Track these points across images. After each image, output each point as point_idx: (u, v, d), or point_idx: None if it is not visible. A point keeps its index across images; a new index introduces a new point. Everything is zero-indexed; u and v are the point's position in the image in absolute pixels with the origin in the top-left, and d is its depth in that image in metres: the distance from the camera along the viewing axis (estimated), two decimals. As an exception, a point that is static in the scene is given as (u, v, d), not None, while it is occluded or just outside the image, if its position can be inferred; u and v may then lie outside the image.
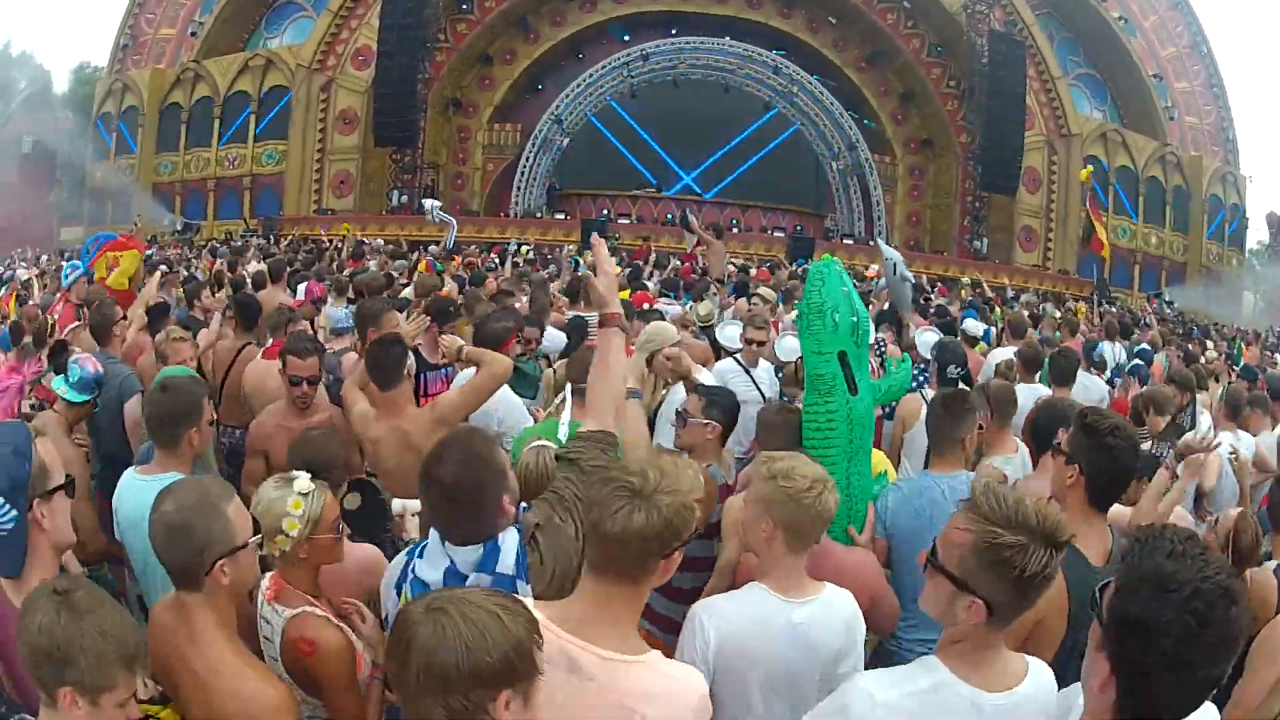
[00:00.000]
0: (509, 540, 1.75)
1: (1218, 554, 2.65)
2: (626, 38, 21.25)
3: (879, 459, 3.15)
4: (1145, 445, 3.03)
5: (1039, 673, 1.54)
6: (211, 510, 1.68)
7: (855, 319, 2.67)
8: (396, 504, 2.50)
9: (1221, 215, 24.41)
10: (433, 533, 1.82)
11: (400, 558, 1.94)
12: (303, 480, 1.94)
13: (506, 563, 1.73)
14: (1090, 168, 20.48)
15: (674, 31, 20.90)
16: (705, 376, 4.00)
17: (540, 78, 21.86)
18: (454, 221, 16.08)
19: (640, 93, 20.77)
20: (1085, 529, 2.09)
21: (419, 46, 19.94)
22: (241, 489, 3.08)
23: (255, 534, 1.75)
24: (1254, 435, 4.77)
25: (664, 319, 4.79)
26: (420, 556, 1.83)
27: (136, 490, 2.43)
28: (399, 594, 1.84)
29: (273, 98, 22.57)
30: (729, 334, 5.08)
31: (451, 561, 1.75)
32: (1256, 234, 28.11)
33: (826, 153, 20.93)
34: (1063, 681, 1.57)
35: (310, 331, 4.91)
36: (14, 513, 1.65)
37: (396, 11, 19.61)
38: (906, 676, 1.50)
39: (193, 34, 25.15)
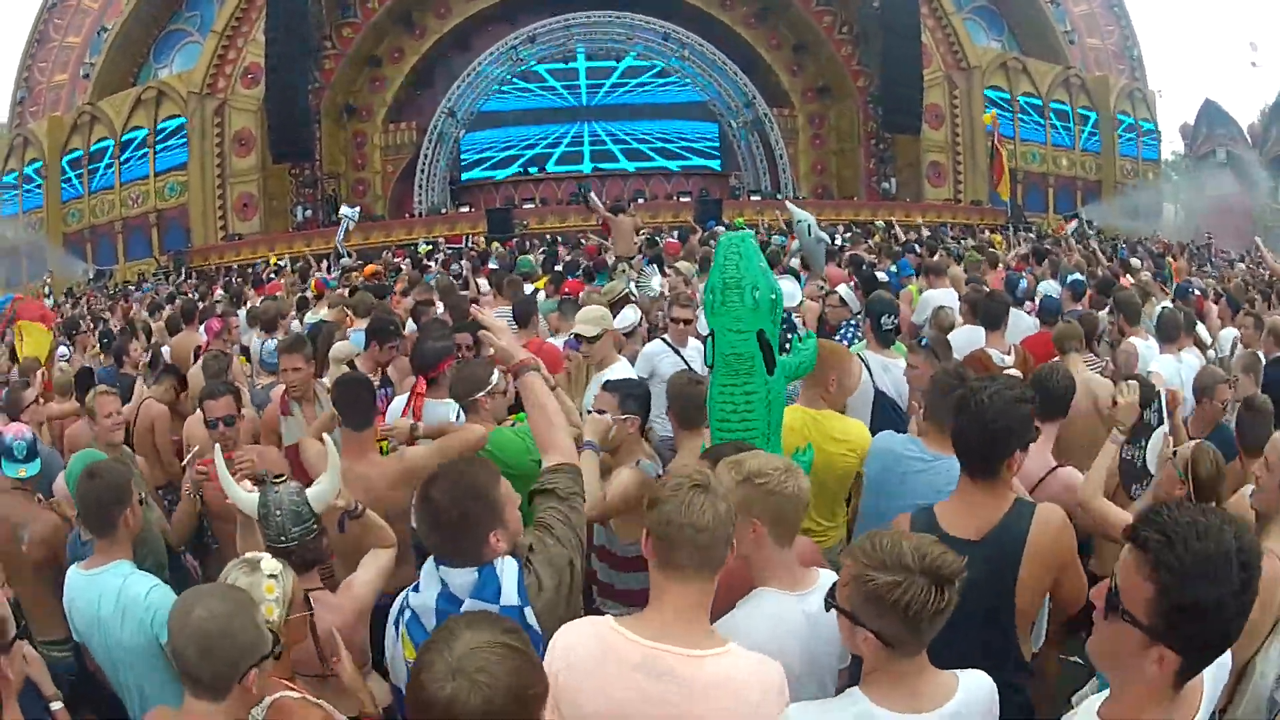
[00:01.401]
0: (508, 570, 1.76)
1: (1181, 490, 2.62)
2: (514, 22, 20.96)
3: (861, 428, 3.14)
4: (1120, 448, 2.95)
5: (971, 686, 1.58)
6: (247, 617, 1.66)
7: (773, 296, 2.60)
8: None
9: (1133, 132, 24.59)
10: (428, 563, 1.84)
11: (400, 596, 1.93)
12: (268, 561, 1.92)
13: (509, 594, 1.73)
14: (994, 112, 20.54)
15: (557, 9, 20.63)
16: (623, 366, 3.99)
17: (430, 73, 21.54)
18: (354, 215, 15.78)
19: (531, 74, 20.50)
20: (959, 498, 2.14)
21: (305, 56, 19.60)
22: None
23: (276, 642, 1.72)
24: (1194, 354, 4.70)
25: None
26: (415, 590, 1.84)
27: (85, 587, 2.40)
28: (396, 629, 1.86)
29: (168, 128, 22.11)
30: (625, 317, 4.84)
31: (445, 585, 1.76)
32: (1171, 146, 28.48)
33: (725, 112, 20.80)
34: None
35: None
36: None
37: (280, 24, 19.23)
38: (832, 708, 1.59)
39: (85, 76, 24.57)
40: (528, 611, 1.74)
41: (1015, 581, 2.06)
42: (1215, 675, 1.41)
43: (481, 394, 3.14)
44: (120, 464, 2.69)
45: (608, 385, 2.95)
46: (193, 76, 21.54)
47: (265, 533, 2.30)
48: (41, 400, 4.64)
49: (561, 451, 2.07)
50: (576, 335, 4.02)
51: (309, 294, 9.24)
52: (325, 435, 2.84)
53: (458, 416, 3.34)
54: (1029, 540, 2.06)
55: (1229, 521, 1.27)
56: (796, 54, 22.04)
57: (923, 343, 3.89)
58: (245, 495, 2.38)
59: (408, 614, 1.83)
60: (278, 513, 2.30)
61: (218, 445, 2.74)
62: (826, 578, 1.92)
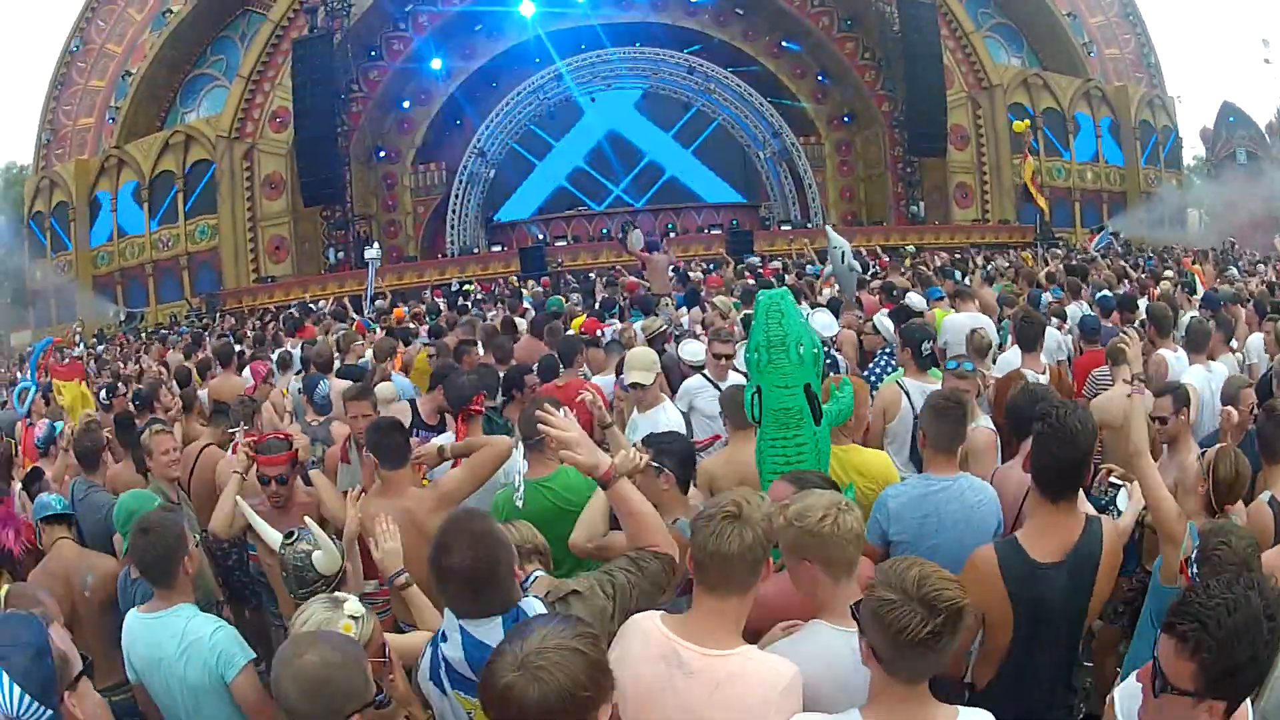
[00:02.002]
0: (534, 605, 1.81)
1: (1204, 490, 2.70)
2: (538, 60, 21.14)
3: (883, 461, 3.23)
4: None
5: None
6: (355, 665, 1.70)
7: (816, 350, 2.75)
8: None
9: (1154, 139, 24.59)
10: (447, 614, 1.85)
11: (426, 649, 1.95)
12: (353, 604, 1.97)
13: None
14: (1026, 121, 20.60)
15: (582, 46, 20.80)
16: (667, 409, 3.98)
17: (458, 113, 21.71)
18: (377, 256, 15.99)
19: (559, 112, 20.68)
20: (1039, 521, 2.20)
21: (334, 100, 19.78)
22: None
23: (380, 691, 1.78)
24: (1221, 362, 4.70)
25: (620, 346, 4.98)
26: (443, 641, 1.85)
27: (146, 630, 2.43)
28: (440, 686, 1.87)
29: (198, 172, 22.35)
30: (691, 350, 5.06)
31: (472, 637, 1.78)
32: (1193, 151, 28.42)
33: (752, 143, 20.93)
34: (1016, 666, 1.92)
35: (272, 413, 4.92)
36: (49, 712, 1.67)
37: (307, 68, 19.44)
38: None
39: (111, 120, 24.86)
40: None
41: (1091, 596, 2.22)
42: None
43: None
44: (171, 511, 2.71)
45: (647, 440, 2.91)
46: (220, 121, 21.78)
47: (284, 583, 2.47)
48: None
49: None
50: (632, 384, 4.04)
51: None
52: (307, 518, 2.88)
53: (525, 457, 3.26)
54: (1103, 554, 2.20)
55: (1253, 586, 1.45)
56: (820, 82, 22.16)
57: (950, 366, 3.94)
58: (275, 534, 2.52)
59: (444, 666, 1.84)
60: (283, 573, 2.45)
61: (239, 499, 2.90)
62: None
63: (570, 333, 6.80)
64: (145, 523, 2.52)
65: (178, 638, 2.36)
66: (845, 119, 22.24)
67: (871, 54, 21.37)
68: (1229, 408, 3.62)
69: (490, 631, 1.76)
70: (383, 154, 21.63)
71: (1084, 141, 23.22)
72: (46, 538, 3.25)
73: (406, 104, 21.89)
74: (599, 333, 6.70)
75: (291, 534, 2.56)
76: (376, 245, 17.46)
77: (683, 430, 3.50)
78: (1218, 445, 3.00)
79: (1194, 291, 9.21)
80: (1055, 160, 22.79)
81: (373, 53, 21.27)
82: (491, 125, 20.29)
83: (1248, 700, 1.56)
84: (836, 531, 1.87)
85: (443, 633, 1.86)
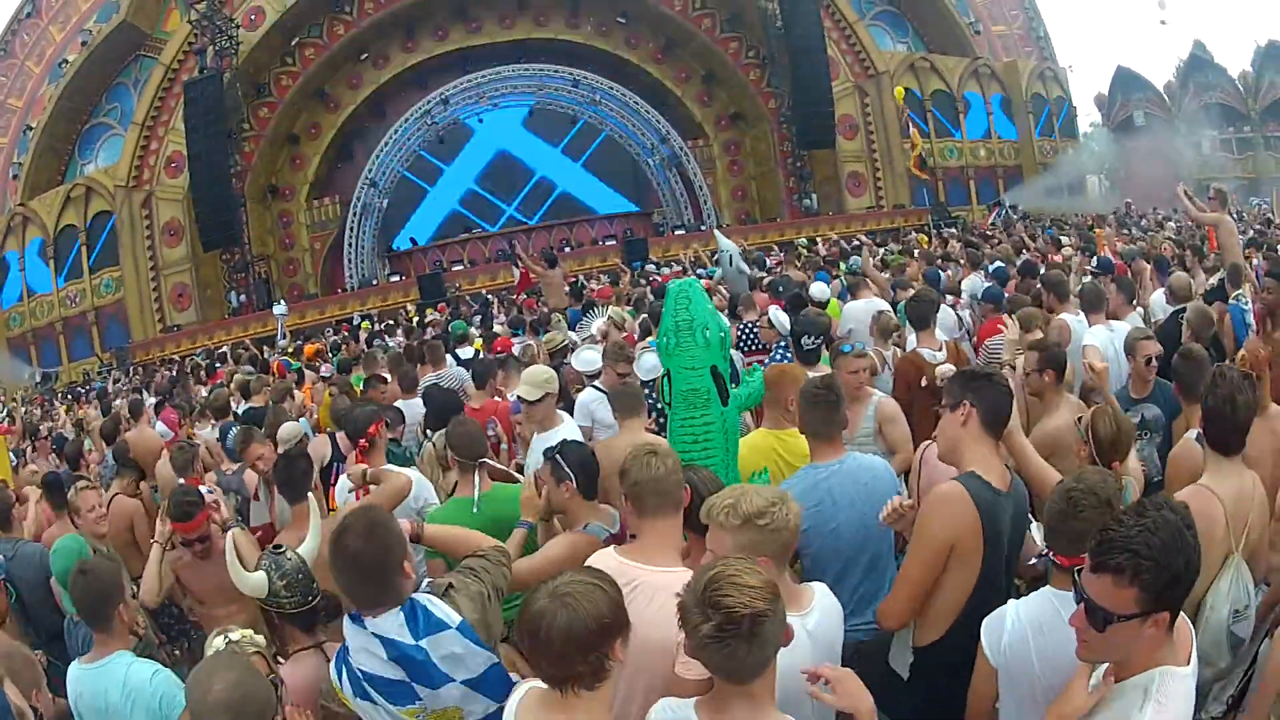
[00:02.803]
0: (434, 602, 1.92)
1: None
2: (425, 85, 21.12)
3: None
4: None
5: None
6: (256, 675, 1.84)
7: (722, 334, 2.95)
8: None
9: (1048, 111, 25.06)
10: (348, 624, 1.95)
11: (331, 672, 2.06)
12: (218, 641, 2.15)
13: (451, 616, 1.91)
14: (900, 88, 20.92)
15: (467, 69, 20.82)
16: (566, 428, 3.95)
17: (349, 145, 21.64)
18: (284, 312, 15.98)
19: (448, 136, 20.68)
20: (987, 457, 2.30)
21: (226, 140, 19.63)
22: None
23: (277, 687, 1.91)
24: (1123, 321, 4.77)
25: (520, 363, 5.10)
26: (349, 656, 1.95)
27: (90, 680, 2.50)
28: (370, 699, 1.95)
29: (99, 224, 22.05)
30: (585, 359, 5.13)
31: (385, 640, 1.88)
32: (1089, 118, 29.02)
33: (641, 151, 21.07)
34: (979, 599, 2.10)
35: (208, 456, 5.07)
36: None
37: (198, 110, 19.23)
38: (674, 708, 1.71)
39: (15, 176, 24.45)
40: (468, 629, 1.92)
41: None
42: None
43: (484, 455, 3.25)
44: (108, 559, 2.79)
45: (545, 454, 2.93)
46: (118, 170, 21.52)
47: (288, 599, 2.50)
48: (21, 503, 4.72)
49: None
50: (519, 398, 4.08)
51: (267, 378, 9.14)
52: (310, 496, 3.14)
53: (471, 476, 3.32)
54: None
55: (1160, 506, 1.56)
56: (706, 84, 22.32)
57: (844, 350, 4.02)
58: (253, 578, 2.56)
59: (364, 680, 1.91)
60: (299, 576, 2.52)
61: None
62: (820, 594, 2.07)
63: (476, 354, 6.96)
64: (84, 566, 2.62)
65: (120, 685, 2.44)
66: (733, 119, 22.42)
67: (755, 52, 21.58)
68: (1089, 359, 3.71)
69: (392, 625, 1.88)
70: (276, 192, 21.49)
71: (975, 119, 23.61)
72: None
73: (297, 139, 21.73)
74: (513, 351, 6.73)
75: (279, 546, 2.64)
76: (284, 302, 17.38)
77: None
78: (1093, 406, 3.08)
79: (1093, 255, 9.37)
80: (947, 141, 23.16)
81: (261, 90, 21.13)
82: (382, 154, 20.24)
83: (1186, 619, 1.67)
84: (793, 525, 1.97)
85: (345, 648, 1.96)
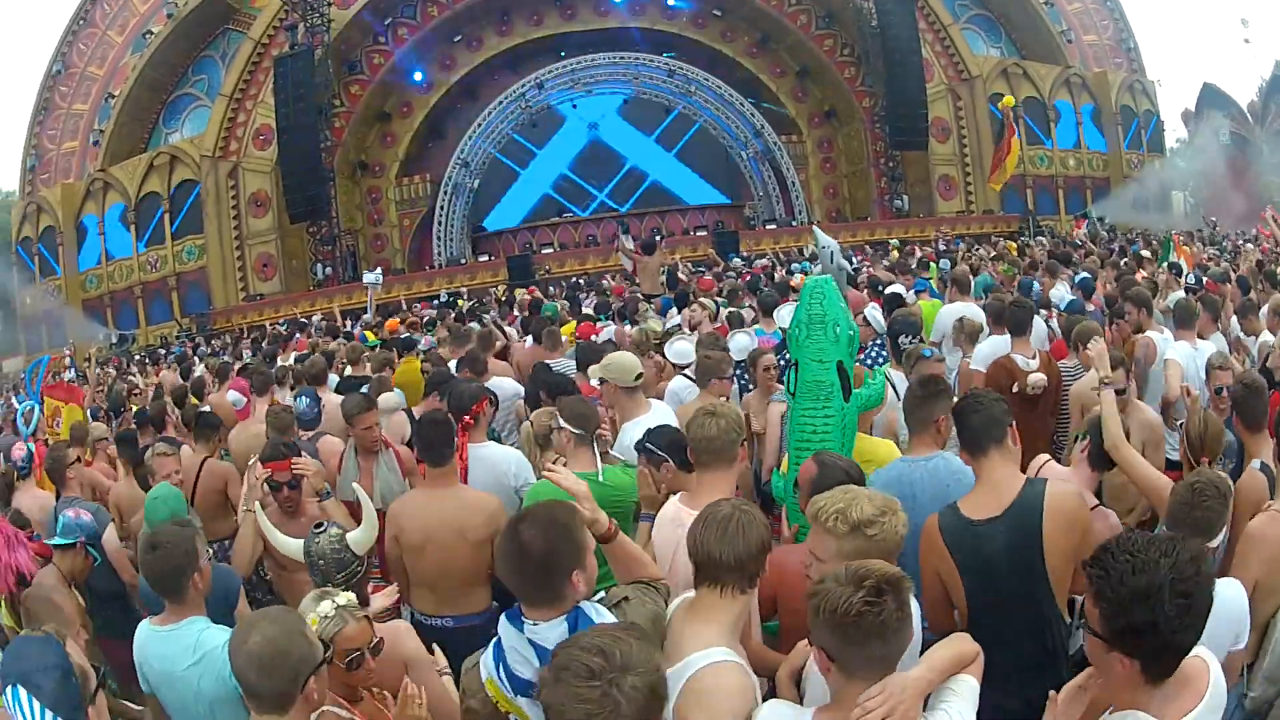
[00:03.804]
0: (603, 615, 1.85)
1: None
2: (519, 69, 21.17)
3: (889, 450, 3.32)
4: None
5: None
6: (297, 632, 1.82)
7: (851, 333, 3.00)
8: None
9: (1136, 123, 24.67)
10: (505, 624, 1.87)
11: (485, 663, 1.95)
12: (325, 605, 2.10)
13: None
14: (1011, 98, 20.64)
15: (562, 54, 20.83)
16: (653, 415, 3.86)
17: (441, 125, 21.73)
18: (377, 281, 16.03)
19: (541, 120, 20.70)
20: (982, 483, 2.41)
21: (316, 116, 19.77)
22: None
23: (326, 648, 1.89)
24: (1209, 340, 4.83)
25: (616, 348, 5.01)
26: (503, 654, 1.86)
27: (159, 643, 2.48)
28: (499, 674, 1.89)
29: (183, 193, 22.35)
30: (678, 350, 5.13)
31: (539, 648, 1.79)
32: (1175, 133, 28.51)
33: (734, 144, 20.97)
34: (976, 617, 2.17)
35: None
36: None
37: (288, 85, 19.41)
38: (785, 713, 1.72)
39: (95, 143, 24.86)
40: None
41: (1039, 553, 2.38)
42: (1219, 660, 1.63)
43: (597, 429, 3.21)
44: (182, 527, 2.73)
45: (636, 448, 3.03)
46: (204, 140, 21.76)
47: (313, 578, 2.50)
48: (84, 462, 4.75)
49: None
50: (603, 381, 3.96)
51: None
52: (357, 486, 3.11)
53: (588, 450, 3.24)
54: (1045, 513, 2.39)
55: (1169, 554, 1.45)
56: (800, 80, 22.19)
57: (925, 354, 4.06)
58: (291, 541, 2.59)
59: (509, 674, 1.85)
60: (320, 561, 2.49)
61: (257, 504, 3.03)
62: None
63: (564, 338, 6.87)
64: (155, 539, 2.55)
65: (190, 650, 2.40)
66: (826, 116, 22.27)
67: (850, 50, 21.41)
68: (1169, 376, 3.89)
69: (553, 634, 1.79)
70: (366, 168, 21.64)
71: (1065, 128, 23.29)
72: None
73: (388, 117, 21.85)
74: (593, 337, 6.70)
75: (320, 524, 2.62)
76: (379, 270, 17.49)
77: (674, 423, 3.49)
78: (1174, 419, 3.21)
79: (1180, 273, 9.32)
80: (1037, 149, 22.86)
81: (353, 67, 21.28)
82: (474, 135, 20.31)
83: (1212, 660, 1.59)
84: (896, 534, 1.98)
85: (500, 645, 1.88)
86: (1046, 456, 3.10)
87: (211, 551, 3.29)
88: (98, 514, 3.75)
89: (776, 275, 11.49)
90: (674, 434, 2.95)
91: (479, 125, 20.31)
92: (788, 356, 3.26)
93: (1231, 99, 30.59)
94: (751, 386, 4.86)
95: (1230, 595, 2.16)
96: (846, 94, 21.59)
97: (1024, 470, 3.28)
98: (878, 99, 20.74)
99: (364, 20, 20.68)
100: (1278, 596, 2.39)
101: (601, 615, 1.83)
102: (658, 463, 2.85)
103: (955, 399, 2.88)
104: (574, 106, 20.88)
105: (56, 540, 3.27)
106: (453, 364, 5.84)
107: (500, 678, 1.86)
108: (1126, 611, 1.44)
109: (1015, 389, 4.17)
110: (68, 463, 4.40)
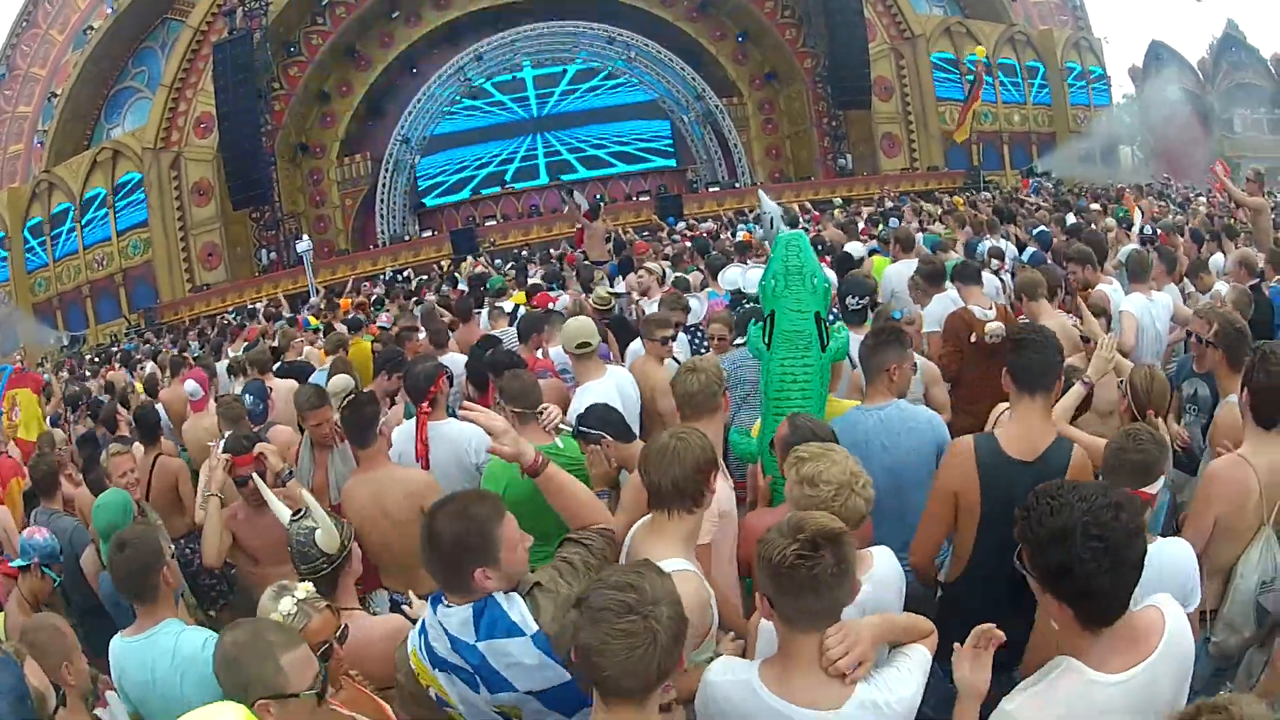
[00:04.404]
0: (515, 603, 1.80)
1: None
2: (459, 42, 20.96)
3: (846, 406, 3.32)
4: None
5: (869, 703, 1.59)
6: (263, 652, 1.73)
7: (826, 285, 3.08)
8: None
9: (1082, 80, 24.79)
10: (428, 604, 1.92)
11: (410, 641, 2.00)
12: (287, 601, 2.07)
13: (527, 622, 1.78)
14: (982, 48, 20.68)
15: (501, 24, 20.67)
16: (597, 386, 3.88)
17: (381, 102, 21.51)
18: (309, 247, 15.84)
19: (479, 92, 20.53)
20: (1020, 422, 2.41)
21: (255, 99, 19.57)
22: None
23: (312, 687, 1.76)
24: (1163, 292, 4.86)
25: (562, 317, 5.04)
26: (426, 630, 1.91)
27: (135, 653, 2.39)
28: (421, 648, 1.92)
29: (127, 186, 22.03)
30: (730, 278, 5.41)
31: (447, 632, 1.81)
32: (1123, 90, 28.69)
33: (676, 107, 20.88)
34: (985, 548, 2.20)
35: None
36: None
37: (228, 71, 19.21)
38: (734, 669, 1.73)
39: (39, 144, 24.52)
40: (543, 637, 1.79)
41: None
42: (1178, 615, 1.61)
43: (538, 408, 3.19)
44: (145, 525, 2.72)
45: (575, 430, 3.02)
46: (146, 133, 21.47)
47: (296, 564, 2.49)
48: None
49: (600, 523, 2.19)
50: (566, 349, 4.03)
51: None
52: (304, 491, 2.93)
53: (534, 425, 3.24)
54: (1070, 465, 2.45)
55: (1087, 499, 1.48)
56: (741, 43, 22.12)
57: (895, 315, 4.07)
58: (286, 510, 2.57)
59: (425, 640, 1.89)
60: (289, 549, 2.48)
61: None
62: (880, 561, 2.07)
63: (517, 308, 6.81)
64: (122, 539, 2.48)
65: (169, 653, 2.32)
66: (767, 78, 22.21)
67: (791, 12, 21.37)
68: (1124, 327, 3.95)
69: (455, 620, 1.81)
70: (307, 150, 21.40)
71: (1010, 85, 23.36)
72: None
73: (328, 97, 21.61)
74: (549, 306, 6.63)
75: (300, 511, 2.56)
76: (306, 237, 17.34)
77: (613, 400, 3.52)
78: (1143, 364, 3.25)
79: (1130, 226, 9.38)
80: (982, 105, 22.87)
81: (291, 49, 21.04)
82: (414, 111, 20.10)
83: (1171, 614, 1.57)
84: (859, 508, 2.01)
85: (425, 623, 1.91)
86: (1005, 405, 3.03)
87: (173, 550, 3.19)
88: (74, 531, 3.72)
89: (722, 237, 11.46)
90: (602, 410, 2.99)
91: (419, 101, 20.10)
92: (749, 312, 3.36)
93: (1181, 56, 30.87)
94: (706, 347, 4.87)
95: (1176, 554, 2.15)
96: (788, 55, 21.55)
97: (985, 418, 3.35)
98: (819, 59, 20.74)
99: (299, 1, 20.45)
100: (1240, 542, 2.40)
101: (512, 604, 1.79)
102: (595, 441, 2.87)
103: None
104: (513, 78, 20.70)
105: (17, 562, 3.17)
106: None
107: (422, 651, 1.88)
108: (1044, 552, 1.49)
109: (974, 338, 4.19)
110: (57, 471, 4.21)
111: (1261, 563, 2.37)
